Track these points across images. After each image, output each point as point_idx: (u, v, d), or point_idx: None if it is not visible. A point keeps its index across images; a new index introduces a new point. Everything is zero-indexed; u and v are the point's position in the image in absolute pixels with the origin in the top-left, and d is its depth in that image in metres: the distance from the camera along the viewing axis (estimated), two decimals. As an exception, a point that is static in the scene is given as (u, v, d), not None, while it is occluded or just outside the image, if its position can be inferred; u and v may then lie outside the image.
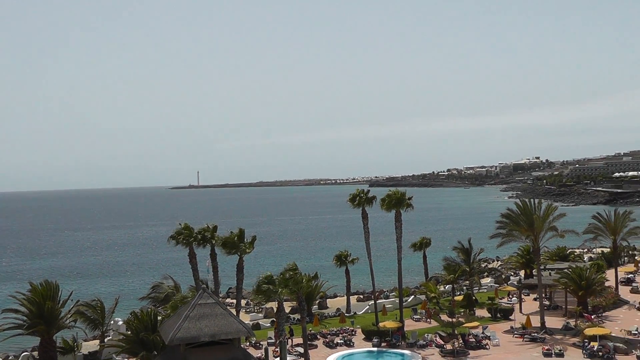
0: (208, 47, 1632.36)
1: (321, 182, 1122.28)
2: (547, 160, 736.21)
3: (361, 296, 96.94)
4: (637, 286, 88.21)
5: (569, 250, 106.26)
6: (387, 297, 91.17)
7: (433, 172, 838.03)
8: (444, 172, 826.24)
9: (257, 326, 72.86)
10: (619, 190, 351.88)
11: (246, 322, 62.27)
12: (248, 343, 63.45)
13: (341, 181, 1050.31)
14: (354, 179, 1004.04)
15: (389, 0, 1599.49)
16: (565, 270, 76.34)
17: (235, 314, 42.78)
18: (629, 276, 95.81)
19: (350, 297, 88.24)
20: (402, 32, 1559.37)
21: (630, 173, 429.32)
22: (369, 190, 74.38)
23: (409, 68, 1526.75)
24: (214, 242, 66.98)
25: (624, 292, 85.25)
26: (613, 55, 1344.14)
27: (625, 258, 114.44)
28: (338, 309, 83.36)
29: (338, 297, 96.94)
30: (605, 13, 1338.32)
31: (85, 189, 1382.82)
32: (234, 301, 74.05)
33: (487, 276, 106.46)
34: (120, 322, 67.09)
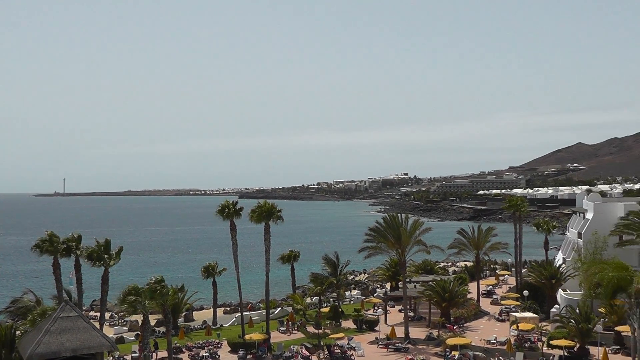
0: (81, 48, 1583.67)
1: (191, 192, 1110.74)
2: (415, 177, 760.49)
3: (228, 308, 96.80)
4: (497, 298, 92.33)
5: (437, 264, 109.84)
6: (254, 309, 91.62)
7: (303, 185, 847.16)
8: (314, 185, 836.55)
9: (121, 340, 71.32)
10: (483, 207, 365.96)
11: (110, 335, 61.00)
12: (111, 358, 62.00)
13: (211, 192, 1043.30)
14: (224, 190, 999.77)
15: (258, 11, 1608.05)
16: (430, 282, 79.32)
17: (98, 328, 42.02)
18: (489, 288, 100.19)
19: (217, 309, 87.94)
20: (277, 43, 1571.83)
21: (494, 191, 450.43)
22: (237, 202, 74.36)
23: (282, 80, 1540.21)
24: (78, 252, 65.25)
25: (485, 303, 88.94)
26: (481, 79, 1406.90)
27: (487, 272, 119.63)
28: (204, 322, 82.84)
29: (205, 310, 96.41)
30: (477, 39, 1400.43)
31: None
32: (98, 314, 72.32)
33: (354, 288, 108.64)
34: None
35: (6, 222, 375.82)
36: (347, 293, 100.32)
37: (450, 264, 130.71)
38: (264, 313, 77.52)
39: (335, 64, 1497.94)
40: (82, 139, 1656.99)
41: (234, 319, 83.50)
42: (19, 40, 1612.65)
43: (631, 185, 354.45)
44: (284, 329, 76.79)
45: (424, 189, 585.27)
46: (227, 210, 71.51)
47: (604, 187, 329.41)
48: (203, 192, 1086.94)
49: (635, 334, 49.73)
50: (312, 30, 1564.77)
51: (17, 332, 48.64)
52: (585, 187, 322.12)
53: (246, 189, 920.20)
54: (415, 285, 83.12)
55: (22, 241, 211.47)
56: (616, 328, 60.90)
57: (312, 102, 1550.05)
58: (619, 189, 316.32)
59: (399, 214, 73.66)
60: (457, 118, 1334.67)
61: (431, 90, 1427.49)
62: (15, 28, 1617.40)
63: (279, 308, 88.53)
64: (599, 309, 64.65)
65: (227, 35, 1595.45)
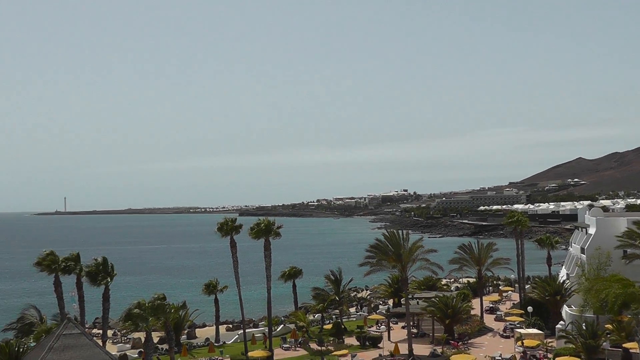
0: (82, 67, 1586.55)
1: (190, 210, 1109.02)
2: (415, 193, 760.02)
3: (230, 325, 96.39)
4: (500, 314, 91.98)
5: (440, 280, 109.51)
6: (256, 326, 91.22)
7: (303, 202, 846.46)
8: (313, 202, 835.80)
9: (124, 357, 70.95)
10: (484, 223, 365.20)
11: (113, 353, 60.66)
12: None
13: (211, 209, 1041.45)
14: (224, 207, 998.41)
15: (255, 24, 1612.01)
16: (433, 299, 79.04)
17: (101, 345, 41.80)
18: (492, 305, 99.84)
19: (220, 326, 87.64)
20: (278, 60, 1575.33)
21: (494, 207, 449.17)
22: (236, 219, 74.56)
23: (281, 97, 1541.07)
24: (77, 271, 65.28)
25: (489, 320, 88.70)
26: (480, 94, 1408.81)
27: (490, 288, 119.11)
28: (207, 339, 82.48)
29: (207, 327, 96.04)
30: (475, 54, 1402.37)
31: None
32: (101, 331, 72.10)
33: (357, 305, 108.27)
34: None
35: (6, 241, 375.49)
36: (351, 309, 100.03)
37: (452, 280, 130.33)
38: (266, 330, 77.21)
39: (333, 81, 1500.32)
40: (83, 158, 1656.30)
41: (237, 336, 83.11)
42: (20, 58, 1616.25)
43: (634, 200, 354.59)
44: (287, 346, 76.46)
45: (424, 205, 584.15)
46: (226, 227, 71.63)
47: (606, 202, 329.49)
48: (203, 209, 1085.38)
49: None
50: (308, 45, 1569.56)
51: (21, 350, 48.57)
52: (586, 202, 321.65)
53: (246, 206, 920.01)
54: (417, 302, 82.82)
55: (23, 260, 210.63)
56: (624, 345, 60.32)
57: (311, 119, 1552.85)
58: (621, 203, 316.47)
59: (399, 230, 73.63)
60: (455, 134, 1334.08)
61: (430, 106, 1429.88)
62: (14, 46, 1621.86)
63: (282, 325, 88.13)
64: (606, 325, 64.21)
65: (227, 51, 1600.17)
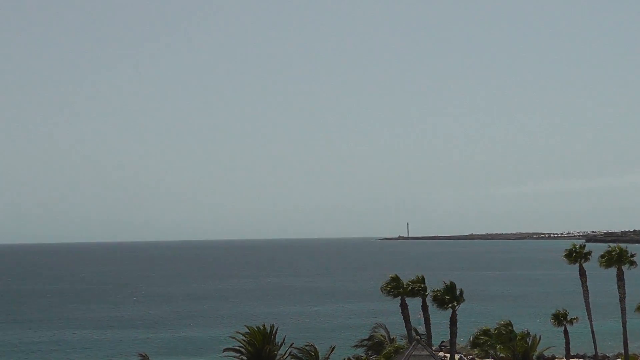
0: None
1: (534, 236, 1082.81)
2: None
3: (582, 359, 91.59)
4: None
5: None
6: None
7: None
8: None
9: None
10: None
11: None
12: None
13: (555, 235, 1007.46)
14: (569, 233, 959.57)
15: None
16: None
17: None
18: None
19: (571, 359, 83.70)
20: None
21: None
22: (584, 245, 71.09)
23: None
24: (423, 293, 66.99)
25: None
26: None
27: None
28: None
29: (556, 359, 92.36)
30: None
31: (289, 238, 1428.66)
32: (448, 355, 73.01)
33: None
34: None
35: (352, 265, 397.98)
36: None
37: None
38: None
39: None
40: (424, 184, 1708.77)
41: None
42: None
43: None
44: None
45: None
46: (574, 254, 68.81)
47: None
48: (547, 235, 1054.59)
49: None
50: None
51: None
52: None
53: (593, 231, 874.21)
54: None
55: (370, 281, 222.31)
56: None
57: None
58: None
59: None
60: None
61: None
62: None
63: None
64: None
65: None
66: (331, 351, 67.54)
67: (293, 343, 65.14)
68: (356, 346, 75.17)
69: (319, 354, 65.75)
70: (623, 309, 66.61)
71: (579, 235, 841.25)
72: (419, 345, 41.13)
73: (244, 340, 60.12)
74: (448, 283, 67.93)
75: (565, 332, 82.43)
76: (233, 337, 62.02)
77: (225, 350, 61.15)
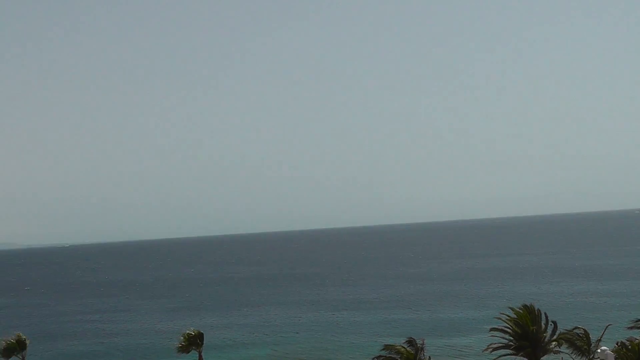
0: None
1: None
2: None
3: None
4: None
5: None
6: None
7: None
8: None
9: None
10: None
11: None
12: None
13: None
14: None
15: None
16: None
17: None
18: None
19: None
20: None
21: None
22: None
23: None
24: None
25: None
26: None
27: None
28: None
29: None
30: None
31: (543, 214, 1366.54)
32: None
33: None
34: (608, 352, 64.25)
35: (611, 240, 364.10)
36: None
37: None
38: None
39: None
40: None
41: None
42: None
43: None
44: None
45: None
46: None
47: None
48: None
49: None
50: None
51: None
52: None
53: None
54: None
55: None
56: None
57: None
58: None
59: None
60: None
61: None
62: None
63: None
64: None
65: None
66: (603, 332, 64.27)
67: (557, 325, 61.90)
68: (631, 327, 70.51)
69: (589, 335, 62.80)
70: None
71: None
72: None
73: (509, 320, 59.52)
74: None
75: None
76: (498, 318, 61.63)
77: (491, 329, 61.05)
